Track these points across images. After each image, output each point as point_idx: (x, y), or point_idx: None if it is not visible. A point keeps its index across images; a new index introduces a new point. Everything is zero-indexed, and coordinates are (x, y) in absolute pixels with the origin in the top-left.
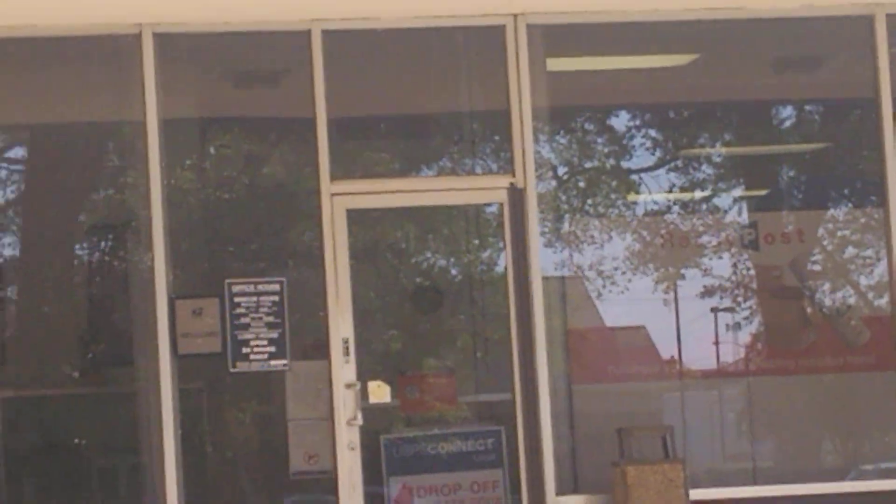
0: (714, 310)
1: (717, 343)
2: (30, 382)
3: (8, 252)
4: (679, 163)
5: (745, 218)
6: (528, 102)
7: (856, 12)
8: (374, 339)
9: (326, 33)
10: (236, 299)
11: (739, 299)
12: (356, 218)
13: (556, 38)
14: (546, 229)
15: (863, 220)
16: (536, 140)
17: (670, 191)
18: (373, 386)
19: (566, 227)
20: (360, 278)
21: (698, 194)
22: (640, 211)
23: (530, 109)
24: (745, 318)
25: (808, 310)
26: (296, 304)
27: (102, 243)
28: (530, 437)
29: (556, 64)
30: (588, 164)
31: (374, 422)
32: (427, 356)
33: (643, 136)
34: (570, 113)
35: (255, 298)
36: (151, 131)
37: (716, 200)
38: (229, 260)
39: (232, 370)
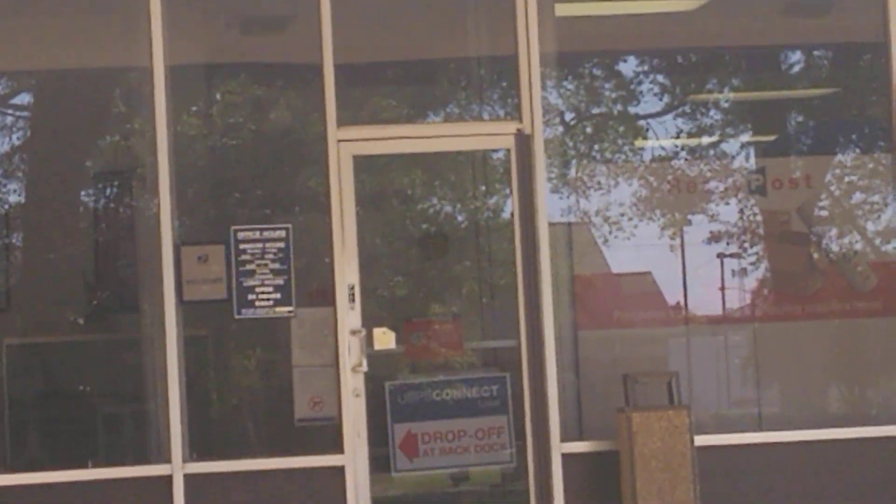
0: (720, 256)
1: (723, 289)
2: (35, 329)
3: (14, 199)
4: (687, 108)
5: (752, 163)
6: (535, 48)
7: None
8: (380, 285)
9: None
10: (242, 246)
11: (746, 245)
12: (363, 164)
13: None
14: (553, 175)
15: (871, 166)
16: (544, 86)
17: (678, 136)
18: (378, 332)
19: (573, 173)
20: (366, 225)
21: (706, 140)
22: (647, 157)
23: (538, 55)
24: (752, 264)
25: (815, 255)
26: (301, 251)
27: (108, 190)
28: (535, 383)
29: (564, 9)
30: (595, 110)
31: (379, 368)
32: (433, 302)
33: (651, 82)
34: (577, 59)
35: (260, 245)
36: (158, 77)
37: (723, 146)
38: (235, 206)
39: (237, 317)
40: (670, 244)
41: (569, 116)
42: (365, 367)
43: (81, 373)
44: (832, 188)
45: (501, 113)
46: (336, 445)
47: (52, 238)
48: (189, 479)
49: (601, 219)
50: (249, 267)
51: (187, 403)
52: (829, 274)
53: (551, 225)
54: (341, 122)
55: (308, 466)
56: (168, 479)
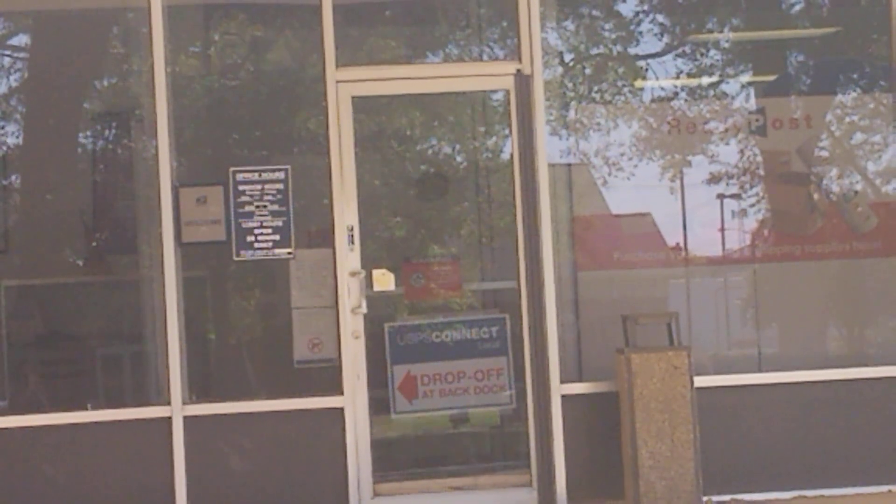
0: (720, 196)
1: (722, 230)
2: (34, 271)
3: (12, 140)
4: (687, 48)
5: (752, 103)
6: None
7: None
8: (379, 226)
9: None
10: (240, 187)
11: (746, 185)
12: (361, 105)
13: None
14: (552, 116)
15: (871, 106)
16: (543, 26)
17: (677, 77)
18: (377, 274)
19: (572, 114)
20: (365, 166)
21: (706, 80)
22: (646, 97)
23: None
24: (752, 205)
25: (816, 196)
26: (300, 192)
27: (106, 131)
28: (535, 324)
29: None
30: (595, 51)
31: (378, 310)
32: (432, 244)
33: (650, 22)
34: None
35: (259, 186)
36: (156, 17)
37: (723, 86)
38: (233, 147)
39: (236, 258)
40: (670, 185)
41: (568, 57)
42: (364, 309)
43: (80, 315)
44: (832, 128)
45: (501, 53)
46: (335, 387)
47: (51, 180)
48: (188, 420)
49: (601, 160)
50: (248, 208)
51: (186, 345)
52: (829, 214)
53: (551, 166)
54: (340, 63)
55: (307, 408)
56: (168, 421)
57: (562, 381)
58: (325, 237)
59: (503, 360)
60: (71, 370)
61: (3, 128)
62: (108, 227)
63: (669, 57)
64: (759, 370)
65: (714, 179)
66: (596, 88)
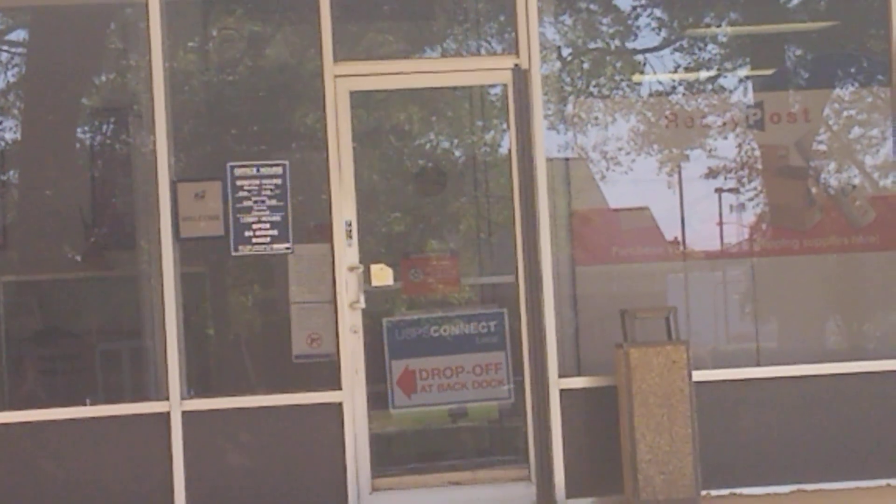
0: (718, 190)
1: (721, 224)
2: (32, 266)
3: (10, 136)
4: (684, 42)
5: (750, 98)
6: None
7: None
8: (377, 221)
9: None
10: (238, 182)
11: (744, 180)
12: (359, 100)
13: None
14: (550, 111)
15: (869, 100)
16: (541, 21)
17: (675, 71)
18: (375, 269)
19: (570, 108)
20: (363, 161)
21: (704, 74)
22: (644, 92)
23: None
24: (750, 199)
25: (813, 190)
26: (298, 187)
27: (104, 127)
28: (533, 319)
29: None
30: (592, 45)
31: (376, 305)
32: (430, 238)
33: (648, 16)
34: None
35: (257, 181)
36: (154, 13)
37: (721, 80)
38: (231, 143)
39: (234, 254)
40: (668, 179)
41: (566, 52)
42: (362, 304)
43: (79, 310)
44: (830, 122)
45: (499, 48)
46: (334, 382)
47: (49, 175)
48: (187, 415)
49: (599, 154)
50: (246, 203)
51: (185, 340)
52: (827, 208)
53: (549, 160)
54: (338, 58)
55: (306, 403)
56: (166, 416)
57: (560, 376)
58: (323, 232)
59: (501, 355)
60: (69, 366)
61: (1, 123)
62: (107, 223)
63: (667, 51)
64: (758, 364)
65: (712, 174)
66: (594, 83)
